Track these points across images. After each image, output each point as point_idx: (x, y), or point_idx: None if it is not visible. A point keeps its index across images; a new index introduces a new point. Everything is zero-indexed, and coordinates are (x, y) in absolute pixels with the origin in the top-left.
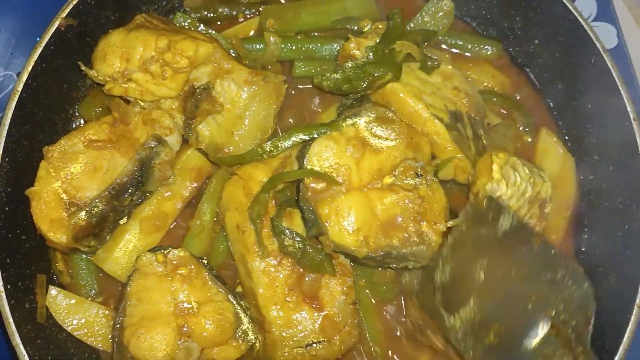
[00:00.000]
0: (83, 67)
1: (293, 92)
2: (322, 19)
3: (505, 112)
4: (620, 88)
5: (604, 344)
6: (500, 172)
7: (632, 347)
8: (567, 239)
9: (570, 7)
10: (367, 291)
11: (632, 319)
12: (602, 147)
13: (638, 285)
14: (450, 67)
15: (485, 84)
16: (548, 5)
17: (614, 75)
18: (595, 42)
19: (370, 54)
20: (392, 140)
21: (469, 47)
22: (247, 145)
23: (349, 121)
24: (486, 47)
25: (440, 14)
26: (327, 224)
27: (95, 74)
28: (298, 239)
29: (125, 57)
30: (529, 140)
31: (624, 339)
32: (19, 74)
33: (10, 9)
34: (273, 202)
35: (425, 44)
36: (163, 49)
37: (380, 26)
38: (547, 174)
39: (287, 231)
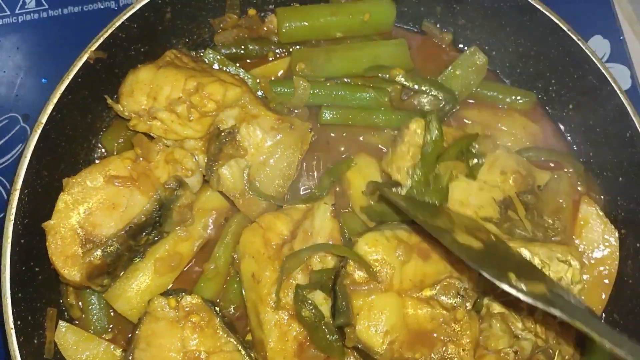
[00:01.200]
0: (109, 101)
1: (315, 137)
2: (353, 65)
3: (553, 164)
4: None
5: None
6: None
7: None
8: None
9: (609, 78)
10: None
11: None
12: (631, 213)
13: None
14: (497, 150)
15: (515, 132)
16: (584, 72)
17: None
18: (632, 115)
19: (414, 189)
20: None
21: (501, 97)
22: (268, 192)
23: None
24: (519, 97)
25: (473, 68)
26: (357, 317)
27: (121, 109)
28: (317, 313)
29: (153, 95)
30: (579, 189)
31: None
32: (24, 116)
33: (14, 49)
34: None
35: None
36: (191, 91)
37: (418, 131)
38: (585, 247)
39: (309, 302)
